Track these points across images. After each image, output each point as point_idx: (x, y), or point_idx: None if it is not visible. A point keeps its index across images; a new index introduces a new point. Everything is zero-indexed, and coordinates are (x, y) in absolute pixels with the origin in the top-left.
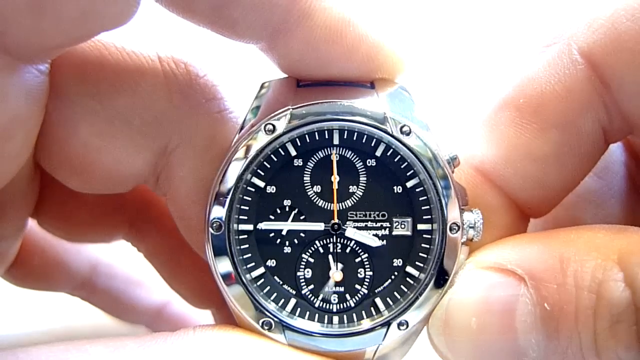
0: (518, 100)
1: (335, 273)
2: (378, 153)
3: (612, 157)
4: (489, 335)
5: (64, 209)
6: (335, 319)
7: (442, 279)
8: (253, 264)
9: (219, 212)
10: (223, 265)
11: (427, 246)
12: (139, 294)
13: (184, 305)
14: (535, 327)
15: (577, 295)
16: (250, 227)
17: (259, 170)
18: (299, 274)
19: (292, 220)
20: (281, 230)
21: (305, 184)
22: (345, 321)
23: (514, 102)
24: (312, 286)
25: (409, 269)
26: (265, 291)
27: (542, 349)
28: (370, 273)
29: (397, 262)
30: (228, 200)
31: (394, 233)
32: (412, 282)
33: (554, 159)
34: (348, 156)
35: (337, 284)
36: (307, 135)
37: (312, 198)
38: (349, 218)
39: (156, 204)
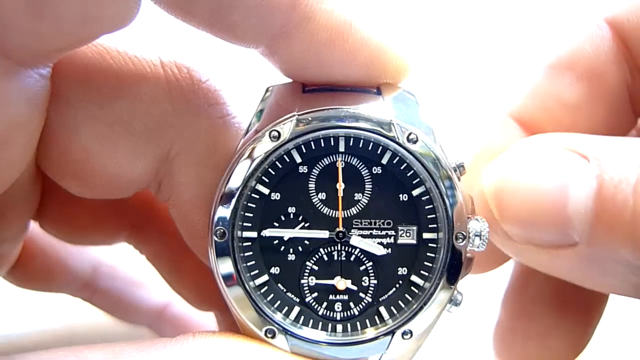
0: (552, 60)
1: (339, 281)
2: (384, 161)
3: None
4: (541, 196)
5: (65, 212)
6: (339, 327)
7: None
8: (257, 271)
9: (223, 218)
10: (226, 272)
11: (433, 255)
12: (141, 295)
13: (186, 306)
14: (588, 199)
15: (639, 173)
16: (254, 234)
17: (263, 177)
18: (302, 281)
19: (297, 228)
20: (285, 237)
21: (310, 191)
22: (349, 329)
23: (549, 60)
24: (316, 294)
25: (413, 277)
26: (269, 299)
27: (590, 224)
28: (375, 281)
29: (402, 271)
30: (232, 206)
31: (399, 241)
32: (416, 291)
33: (584, 107)
34: (354, 163)
35: (341, 292)
36: (312, 142)
37: (317, 205)
38: (354, 226)
39: (158, 206)
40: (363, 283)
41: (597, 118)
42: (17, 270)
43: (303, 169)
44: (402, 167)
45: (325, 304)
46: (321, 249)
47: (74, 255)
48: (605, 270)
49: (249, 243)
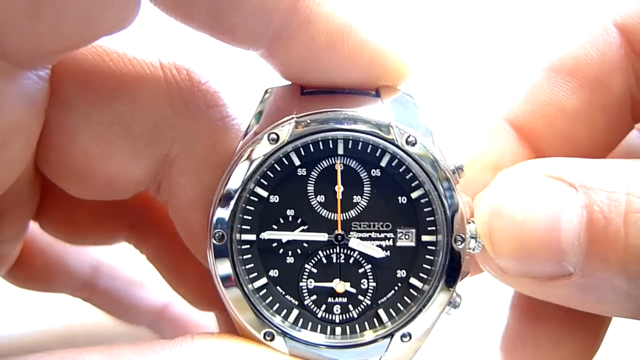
0: (555, 64)
1: (338, 284)
2: (383, 163)
3: (633, 148)
4: (532, 229)
5: (65, 212)
6: (338, 329)
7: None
8: (255, 274)
9: (221, 221)
10: (225, 274)
11: (431, 258)
12: (140, 295)
13: (185, 306)
14: (580, 230)
15: (627, 201)
16: (253, 237)
17: (262, 180)
18: (301, 284)
19: (295, 231)
20: (284, 240)
21: (309, 194)
22: (348, 332)
23: (551, 65)
24: (314, 297)
25: (412, 280)
26: (267, 301)
27: (584, 255)
28: (374, 284)
29: (401, 274)
30: (231, 209)
31: (397, 244)
32: (415, 293)
33: (584, 116)
34: (352, 166)
35: (340, 294)
36: (311, 145)
37: (316, 208)
38: (352, 228)
39: (158, 206)
40: (362, 286)
41: (596, 125)
42: (17, 270)
43: (302, 172)
44: (400, 170)
45: (324, 306)
46: (320, 252)
47: (74, 255)
48: (601, 297)
49: (248, 246)
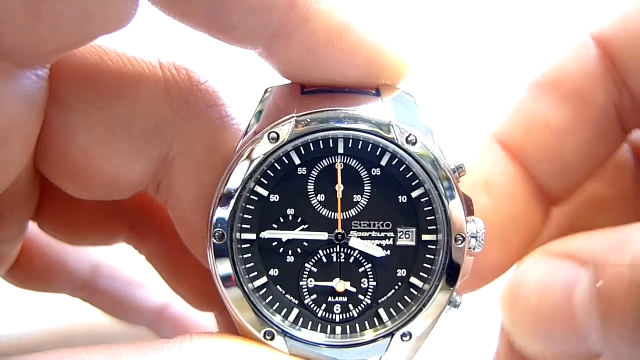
0: (538, 79)
1: (339, 283)
2: (383, 162)
3: (624, 163)
4: (547, 313)
5: (64, 212)
6: (338, 329)
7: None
8: (256, 273)
9: (221, 220)
10: (225, 274)
11: (432, 257)
12: (140, 296)
13: (185, 306)
14: (593, 306)
15: (631, 273)
16: (253, 236)
17: (262, 179)
18: (302, 283)
19: (296, 230)
20: (284, 239)
21: (309, 193)
22: (349, 332)
23: (535, 80)
24: (315, 296)
25: (413, 279)
26: (267, 301)
27: (602, 332)
28: (374, 283)
29: (401, 273)
30: (231, 208)
31: (398, 243)
32: (416, 293)
33: (570, 131)
34: (353, 165)
35: (340, 294)
36: (311, 144)
37: (316, 207)
38: (353, 228)
39: (157, 207)
40: (362, 285)
41: (583, 139)
42: (17, 270)
43: (302, 171)
44: (401, 169)
45: (324, 306)
46: (320, 251)
47: (73, 255)
48: None
49: (248, 245)
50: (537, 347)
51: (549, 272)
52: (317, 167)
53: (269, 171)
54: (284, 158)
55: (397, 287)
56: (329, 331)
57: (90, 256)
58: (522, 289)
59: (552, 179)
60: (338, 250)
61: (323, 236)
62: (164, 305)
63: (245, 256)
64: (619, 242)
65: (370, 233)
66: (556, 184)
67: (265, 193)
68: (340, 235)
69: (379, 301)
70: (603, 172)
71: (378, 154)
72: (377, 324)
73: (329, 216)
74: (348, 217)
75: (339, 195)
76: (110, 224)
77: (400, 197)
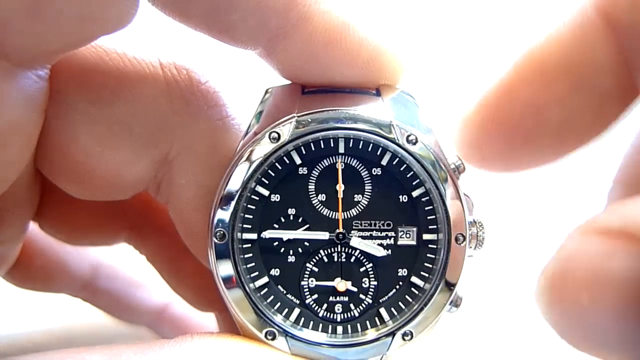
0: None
1: (340, 283)
2: (384, 162)
3: None
4: (603, 315)
5: (65, 212)
6: (340, 328)
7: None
8: (257, 273)
9: (222, 220)
10: (226, 274)
11: (433, 256)
12: (141, 296)
13: (186, 306)
14: None
15: None
16: (254, 235)
17: (263, 179)
18: (303, 283)
19: (297, 229)
20: (285, 239)
21: (310, 193)
22: (350, 331)
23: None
24: (316, 296)
25: (413, 279)
26: (269, 300)
27: None
28: (375, 283)
29: (402, 272)
30: (232, 208)
31: (399, 243)
32: (417, 292)
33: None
34: (353, 165)
35: (341, 293)
36: (312, 144)
37: (317, 207)
38: (353, 227)
39: (158, 207)
40: (363, 284)
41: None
42: (17, 270)
43: (303, 171)
44: (401, 168)
45: (325, 305)
46: (321, 251)
47: (74, 255)
48: None
49: (249, 245)
50: (594, 353)
51: (603, 261)
52: (317, 166)
53: (269, 171)
54: (284, 158)
55: (398, 287)
56: (330, 331)
57: (90, 256)
58: (567, 280)
59: None
60: (339, 249)
61: (324, 236)
62: (164, 305)
63: (246, 256)
64: None
65: (371, 232)
66: None
67: (266, 193)
68: (341, 235)
69: (380, 300)
70: None
71: (378, 153)
72: (378, 323)
73: (330, 216)
74: (349, 216)
75: (340, 195)
76: (110, 224)
77: (400, 197)
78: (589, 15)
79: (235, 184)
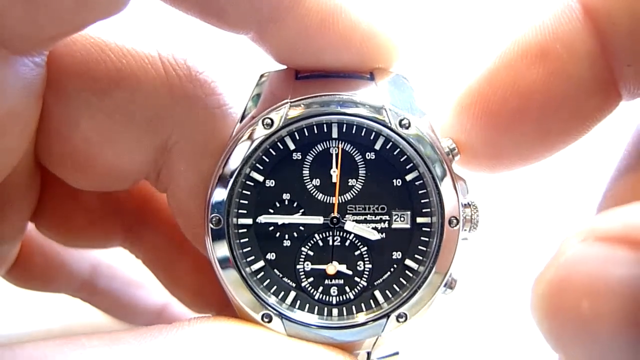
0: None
1: (329, 266)
2: (377, 146)
3: None
4: (606, 325)
5: (61, 214)
6: (335, 311)
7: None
8: (253, 257)
9: (218, 205)
10: (222, 256)
11: (427, 239)
12: (140, 296)
13: (185, 306)
14: None
15: None
16: (249, 221)
17: (257, 165)
18: (298, 266)
19: (292, 214)
20: (280, 223)
21: (304, 178)
22: (345, 313)
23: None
24: (311, 279)
25: (408, 261)
26: (265, 284)
27: None
28: (370, 266)
29: (397, 255)
30: (227, 193)
31: (393, 226)
32: (411, 274)
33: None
34: (347, 149)
35: (336, 276)
36: (305, 129)
37: (312, 191)
38: (348, 211)
39: (152, 210)
40: (358, 267)
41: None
42: (16, 270)
43: (297, 156)
44: (395, 153)
45: (321, 288)
46: (316, 235)
47: (73, 255)
48: None
49: (245, 230)
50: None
51: (604, 267)
52: (311, 151)
53: (264, 156)
54: (278, 143)
55: (392, 269)
56: (325, 313)
57: (90, 256)
58: (565, 287)
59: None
60: (334, 233)
61: (318, 220)
62: (164, 305)
63: (242, 241)
64: None
65: (365, 216)
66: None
67: (260, 178)
68: (335, 219)
69: (375, 283)
70: None
71: (372, 137)
72: (373, 305)
73: (324, 200)
74: (343, 201)
75: (334, 180)
76: (106, 226)
77: (394, 181)
78: (570, 4)
79: (230, 168)
